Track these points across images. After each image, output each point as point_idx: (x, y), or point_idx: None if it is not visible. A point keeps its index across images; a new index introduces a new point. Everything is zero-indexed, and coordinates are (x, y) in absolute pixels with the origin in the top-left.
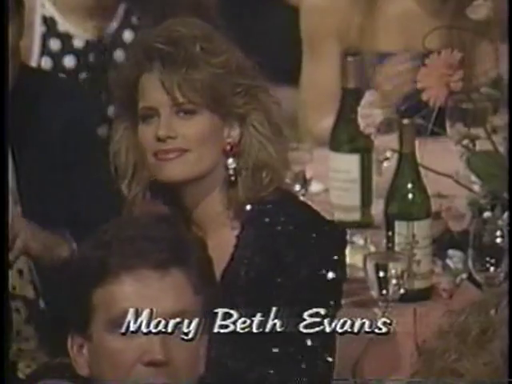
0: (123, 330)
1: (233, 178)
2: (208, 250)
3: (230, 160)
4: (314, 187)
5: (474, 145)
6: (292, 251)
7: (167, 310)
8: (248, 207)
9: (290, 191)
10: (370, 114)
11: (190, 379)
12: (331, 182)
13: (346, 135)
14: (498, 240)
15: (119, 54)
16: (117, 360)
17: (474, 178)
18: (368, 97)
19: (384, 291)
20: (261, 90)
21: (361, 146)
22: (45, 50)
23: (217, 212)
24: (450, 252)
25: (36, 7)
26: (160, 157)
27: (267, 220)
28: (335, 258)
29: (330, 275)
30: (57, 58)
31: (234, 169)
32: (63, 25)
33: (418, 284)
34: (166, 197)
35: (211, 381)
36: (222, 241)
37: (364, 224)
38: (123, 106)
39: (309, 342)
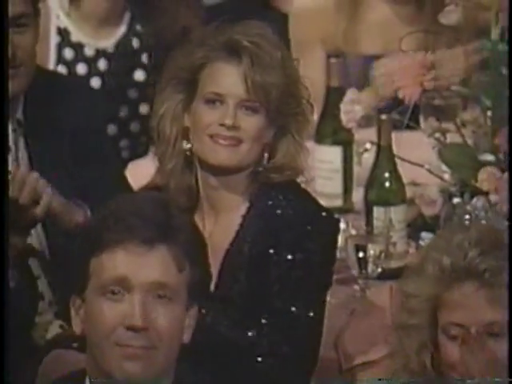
0: (109, 294)
1: (260, 170)
2: (198, 233)
3: (265, 157)
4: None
5: (445, 138)
6: (289, 233)
7: (150, 281)
8: (256, 190)
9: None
10: (351, 110)
11: (171, 345)
12: (316, 171)
13: (330, 129)
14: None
15: (128, 60)
16: (101, 321)
17: (444, 167)
18: (349, 95)
19: (363, 270)
20: (308, 110)
21: (343, 139)
22: (60, 59)
23: (233, 195)
24: (423, 234)
25: (51, 18)
26: (216, 140)
27: (270, 203)
28: (328, 242)
29: (321, 259)
30: (71, 65)
31: (265, 166)
32: (76, 35)
33: (394, 263)
34: (198, 174)
35: (207, 346)
36: (229, 220)
37: (345, 209)
38: (180, 83)
39: (298, 314)
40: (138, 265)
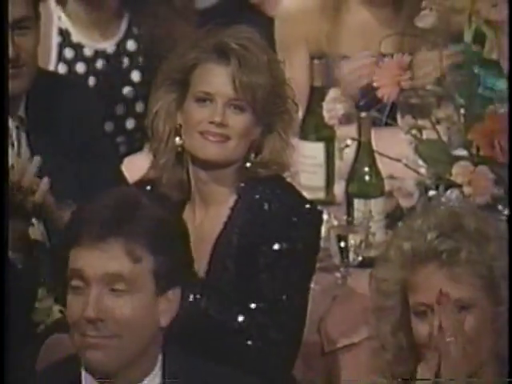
0: (72, 288)
1: (248, 166)
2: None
3: (252, 154)
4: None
5: (421, 134)
6: (275, 225)
7: (103, 273)
8: (242, 184)
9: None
10: (333, 108)
11: (137, 332)
12: (300, 166)
13: (313, 126)
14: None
15: (125, 61)
16: (69, 313)
17: (420, 162)
18: (331, 94)
19: (344, 258)
20: (293, 109)
21: (325, 135)
22: (60, 58)
23: (222, 189)
24: (399, 230)
25: (53, 19)
26: (206, 136)
27: (257, 196)
28: (312, 232)
29: (306, 248)
30: (70, 64)
31: (252, 162)
32: (76, 36)
33: (374, 252)
34: (189, 169)
35: (200, 330)
36: (218, 211)
37: (328, 202)
38: (173, 83)
39: (285, 301)
40: (92, 258)
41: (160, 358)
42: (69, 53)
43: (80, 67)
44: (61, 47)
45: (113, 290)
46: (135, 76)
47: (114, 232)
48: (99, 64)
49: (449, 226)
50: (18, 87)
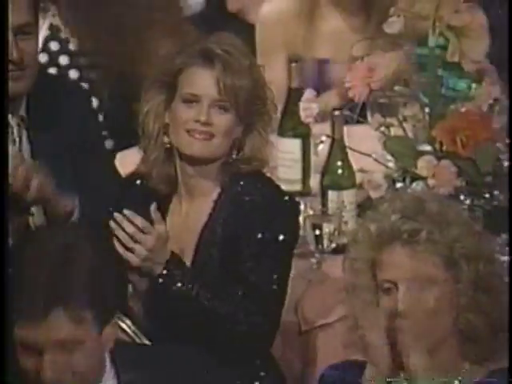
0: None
1: (231, 162)
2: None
3: (234, 151)
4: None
5: (389, 131)
6: (257, 217)
7: (55, 340)
8: (225, 178)
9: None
10: (308, 107)
11: (98, 366)
12: (279, 161)
13: (290, 124)
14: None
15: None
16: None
17: (389, 156)
18: (307, 94)
19: (319, 245)
20: (272, 110)
21: (302, 132)
22: (45, 49)
23: (206, 183)
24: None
25: (48, 15)
26: (192, 134)
27: (239, 189)
28: (291, 222)
29: (286, 237)
30: (53, 56)
31: (234, 158)
32: (65, 32)
33: (346, 239)
34: (176, 164)
35: (191, 315)
36: (203, 204)
37: (304, 193)
38: (162, 86)
39: (268, 287)
40: (41, 331)
41: (110, 367)
42: (54, 46)
43: (63, 60)
44: (47, 40)
45: (66, 351)
46: None
47: (54, 303)
48: (82, 60)
49: (412, 210)
50: (21, 88)
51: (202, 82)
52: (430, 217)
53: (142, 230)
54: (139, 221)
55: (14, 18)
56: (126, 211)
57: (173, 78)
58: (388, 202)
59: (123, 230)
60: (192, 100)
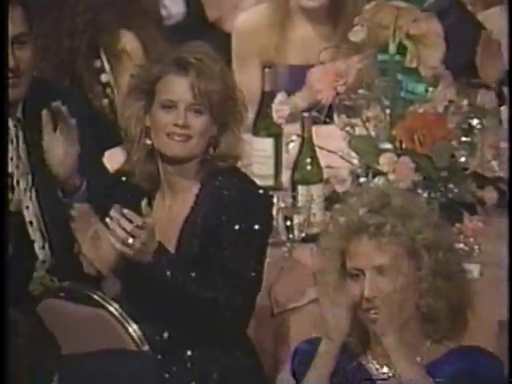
0: None
1: (208, 159)
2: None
3: (211, 149)
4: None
5: (354, 130)
6: (234, 209)
7: None
8: (205, 175)
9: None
10: (280, 109)
11: None
12: (253, 158)
13: (264, 124)
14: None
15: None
16: None
17: (353, 154)
18: (279, 97)
19: (290, 235)
20: (243, 108)
21: (274, 132)
22: None
23: (187, 179)
24: (337, 206)
25: None
26: (171, 137)
27: (217, 185)
28: (265, 214)
29: (261, 228)
30: None
31: (211, 155)
32: None
33: (314, 230)
34: (158, 163)
35: (177, 301)
36: (185, 198)
37: (276, 188)
38: (140, 92)
39: (246, 274)
40: None
41: None
42: None
43: None
44: None
45: None
46: (104, 77)
47: None
48: None
49: (378, 204)
50: (18, 94)
51: (178, 88)
52: (394, 210)
53: (137, 226)
54: (135, 218)
55: (11, 28)
56: (124, 210)
57: (151, 86)
58: (356, 197)
59: (120, 227)
60: (170, 105)
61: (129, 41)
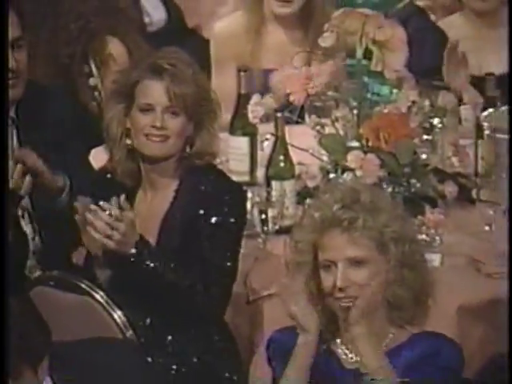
0: None
1: (186, 156)
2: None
3: (188, 147)
4: (218, 159)
5: (323, 129)
6: (211, 203)
7: None
8: (184, 172)
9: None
10: (255, 110)
11: None
12: (230, 155)
13: (240, 124)
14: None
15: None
16: None
17: (323, 151)
18: (254, 99)
19: (264, 227)
20: (217, 107)
21: (249, 131)
22: None
23: (166, 176)
24: (308, 200)
25: None
26: (150, 138)
27: (195, 181)
28: (240, 208)
29: (236, 221)
30: None
31: (189, 152)
32: None
33: (287, 222)
34: (139, 162)
35: (157, 289)
36: (165, 194)
37: (251, 183)
38: (120, 96)
39: (222, 263)
40: None
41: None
42: None
43: None
44: None
45: None
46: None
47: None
48: None
49: (349, 200)
50: (16, 94)
51: (155, 92)
52: (365, 206)
53: (116, 218)
54: (113, 210)
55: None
56: (101, 203)
57: (130, 90)
58: (329, 193)
59: (100, 219)
60: (147, 108)
61: (115, 46)
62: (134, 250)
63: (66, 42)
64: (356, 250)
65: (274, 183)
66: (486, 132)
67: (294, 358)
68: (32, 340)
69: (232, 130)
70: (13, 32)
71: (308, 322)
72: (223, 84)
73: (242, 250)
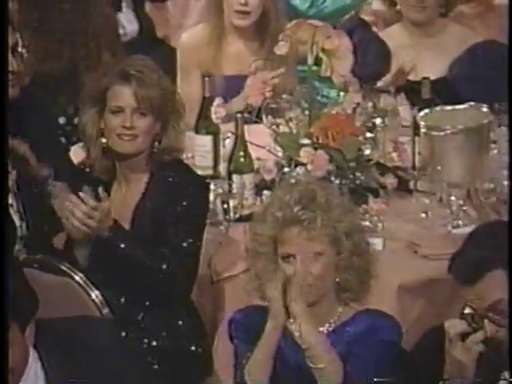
0: None
1: (155, 152)
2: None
3: (156, 143)
4: (185, 155)
5: (279, 129)
6: (177, 194)
7: None
8: (154, 166)
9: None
10: (218, 111)
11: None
12: (195, 152)
13: (204, 124)
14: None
15: None
16: None
17: (278, 148)
18: (217, 101)
19: (226, 216)
20: (181, 107)
21: (213, 130)
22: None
23: (137, 171)
24: (265, 192)
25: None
26: (121, 137)
27: (164, 174)
28: (203, 198)
29: (199, 209)
30: None
31: (157, 148)
32: None
33: (246, 211)
34: (113, 160)
35: (131, 272)
36: (137, 186)
37: (215, 176)
38: (93, 100)
39: (188, 247)
40: None
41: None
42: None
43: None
44: None
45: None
46: None
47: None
48: None
49: (307, 199)
50: (15, 94)
51: (124, 96)
52: (320, 204)
53: (92, 208)
54: (90, 201)
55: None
56: (80, 194)
57: (102, 94)
58: (289, 194)
59: (79, 209)
60: (118, 111)
61: (97, 54)
62: (108, 234)
63: (66, 46)
64: (314, 246)
65: (234, 177)
66: (423, 130)
67: (262, 340)
68: (21, 300)
69: (197, 130)
70: (13, 37)
71: (280, 309)
72: (189, 88)
73: (206, 236)
